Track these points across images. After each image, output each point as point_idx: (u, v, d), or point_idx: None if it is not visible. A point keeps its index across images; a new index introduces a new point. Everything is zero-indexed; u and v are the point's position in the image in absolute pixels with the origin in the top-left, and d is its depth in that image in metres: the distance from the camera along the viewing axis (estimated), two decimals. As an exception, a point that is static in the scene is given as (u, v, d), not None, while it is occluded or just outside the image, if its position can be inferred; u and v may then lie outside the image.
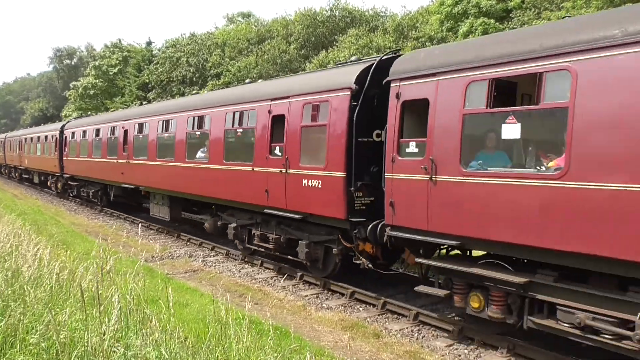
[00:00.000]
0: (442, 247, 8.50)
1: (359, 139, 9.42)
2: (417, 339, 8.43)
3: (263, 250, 12.42)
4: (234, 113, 12.78)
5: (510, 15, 31.73)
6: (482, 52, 7.47)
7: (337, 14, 42.57)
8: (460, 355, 7.74)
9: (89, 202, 25.24)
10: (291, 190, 10.68)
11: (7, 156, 43.11)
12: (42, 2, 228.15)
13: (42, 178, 33.52)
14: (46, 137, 30.53)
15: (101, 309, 4.91)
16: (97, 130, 22.36)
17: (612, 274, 6.04)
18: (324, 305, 10.16)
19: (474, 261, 7.93)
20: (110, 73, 57.67)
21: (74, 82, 60.83)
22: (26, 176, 38.23)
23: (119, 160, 19.61)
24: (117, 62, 58.19)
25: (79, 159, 24.64)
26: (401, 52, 10.56)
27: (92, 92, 57.10)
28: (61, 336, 3.93)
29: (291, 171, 10.64)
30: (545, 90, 6.52)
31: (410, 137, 8.37)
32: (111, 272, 6.11)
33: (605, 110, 5.92)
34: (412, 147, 8.33)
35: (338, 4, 43.00)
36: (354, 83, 9.46)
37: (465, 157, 7.44)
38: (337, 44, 37.75)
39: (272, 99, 11.44)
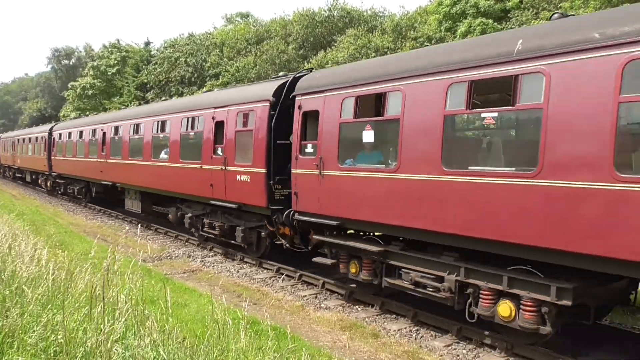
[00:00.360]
0: (347, 229, 10.14)
1: (277, 142, 11.39)
2: (415, 339, 8.43)
3: (212, 236, 14.39)
4: (188, 119, 14.86)
5: (509, 15, 31.77)
6: (352, 75, 9.70)
7: (335, 14, 42.58)
8: (458, 355, 7.75)
9: (75, 199, 27.01)
10: (229, 184, 12.64)
11: (1, 156, 44.86)
12: (40, 3, 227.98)
13: (33, 177, 35.09)
14: (36, 138, 32.18)
15: (98, 309, 4.91)
16: (81, 132, 24.30)
17: (437, 243, 8.22)
18: (322, 305, 10.17)
19: (357, 238, 9.88)
20: (109, 73, 57.58)
21: (72, 83, 60.72)
22: (19, 175, 39.73)
23: (99, 160, 21.59)
24: (116, 62, 58.11)
25: (65, 158, 26.44)
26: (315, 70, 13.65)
27: (90, 92, 57.00)
28: (59, 337, 3.92)
29: (229, 168, 12.67)
30: (387, 106, 8.70)
31: (308, 140, 10.42)
32: (109, 273, 6.11)
33: (419, 122, 8.08)
34: (309, 148, 10.36)
35: (336, 4, 43.02)
36: (272, 96, 11.44)
37: (341, 156, 9.51)
38: (335, 44, 37.75)
39: (215, 107, 13.49)
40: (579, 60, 6.16)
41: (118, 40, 61.41)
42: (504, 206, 6.86)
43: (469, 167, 7.64)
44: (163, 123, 16.22)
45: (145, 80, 55.04)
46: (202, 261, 13.99)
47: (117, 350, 4.06)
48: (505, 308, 7.11)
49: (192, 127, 14.63)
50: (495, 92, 8.36)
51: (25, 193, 34.18)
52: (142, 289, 6.33)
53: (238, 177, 12.33)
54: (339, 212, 9.56)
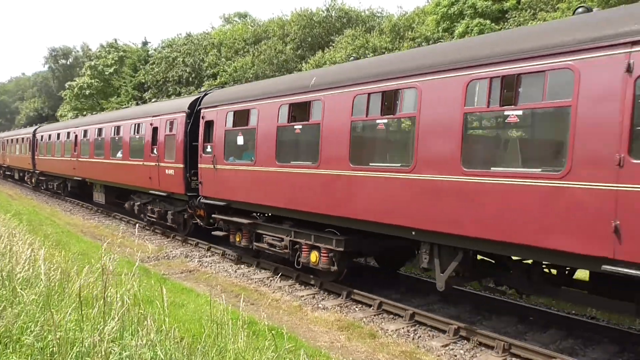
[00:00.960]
0: (233, 208, 13.10)
1: (192, 143, 14.46)
2: (413, 339, 8.43)
3: (154, 220, 17.65)
4: (135, 124, 18.11)
5: (506, 16, 31.81)
6: (231, 95, 13.34)
7: (333, 14, 42.58)
8: (456, 355, 7.75)
9: (55, 193, 30.07)
10: (161, 177, 15.92)
11: None
12: (38, 2, 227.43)
13: (20, 174, 38.43)
14: (22, 139, 35.39)
15: (96, 310, 4.90)
16: (58, 134, 27.44)
17: (282, 216, 11.44)
18: (320, 305, 10.16)
19: (240, 214, 12.84)
20: (106, 73, 57.51)
21: (69, 82, 60.62)
22: (8, 173, 42.72)
23: (72, 159, 24.72)
24: (113, 62, 58.04)
25: (46, 157, 29.71)
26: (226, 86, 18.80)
27: (87, 92, 56.91)
28: (56, 337, 3.91)
29: (161, 164, 15.93)
30: (250, 119, 12.16)
31: (208, 142, 13.69)
32: (105, 273, 6.09)
33: (267, 131, 11.39)
34: (209, 149, 13.59)
35: (334, 4, 43.03)
36: (188, 108, 14.89)
37: (226, 154, 12.89)
38: (333, 44, 37.76)
39: (153, 116, 16.79)
40: (440, 79, 7.76)
41: (115, 40, 61.37)
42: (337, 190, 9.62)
43: (291, 162, 10.89)
44: (118, 127, 19.55)
45: (143, 80, 54.95)
46: (200, 261, 13.97)
47: (114, 350, 4.05)
48: (313, 256, 10.48)
49: (138, 132, 17.86)
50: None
51: (22, 193, 34.09)
52: (140, 289, 6.31)
53: (167, 171, 15.61)
54: (226, 196, 13.01)
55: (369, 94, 8.99)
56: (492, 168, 7.26)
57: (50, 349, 3.88)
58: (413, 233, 8.33)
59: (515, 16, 30.56)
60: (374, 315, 9.52)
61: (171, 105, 16.50)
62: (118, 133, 19.48)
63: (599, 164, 5.94)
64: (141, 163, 17.01)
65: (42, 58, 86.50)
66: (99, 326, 4.41)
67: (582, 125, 6.09)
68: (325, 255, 10.19)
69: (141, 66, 57.27)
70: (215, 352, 4.63)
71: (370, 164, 9.04)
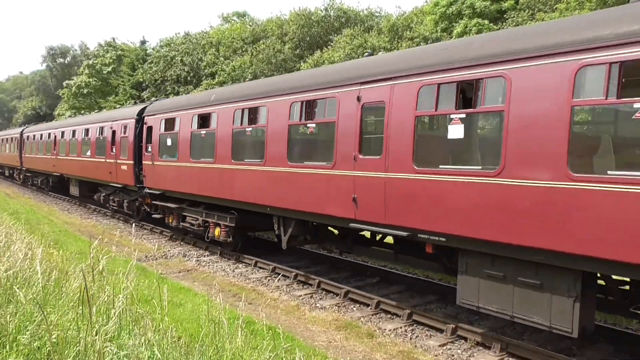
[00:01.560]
0: (167, 196, 16.27)
1: (140, 144, 17.57)
2: (410, 338, 8.44)
3: (116, 208, 21.08)
4: (99, 127, 21.54)
5: (505, 16, 31.84)
6: (165, 106, 16.72)
7: (331, 14, 42.59)
8: (453, 355, 7.75)
9: (40, 188, 33.25)
10: (118, 171, 19.04)
11: None
12: (36, 0, 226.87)
13: (10, 172, 42.18)
14: (12, 138, 39.03)
15: (94, 309, 4.89)
16: (41, 135, 30.61)
17: (199, 201, 14.45)
18: (317, 305, 10.16)
19: (171, 200, 15.89)
20: (104, 72, 57.43)
21: (67, 81, 60.49)
22: (0, 170, 46.52)
23: (52, 157, 27.95)
24: (111, 61, 57.97)
25: (32, 155, 32.85)
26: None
27: (85, 91, 56.82)
28: (53, 336, 3.91)
29: (118, 161, 19.05)
30: (176, 125, 15.25)
31: (149, 143, 16.87)
32: (104, 272, 6.08)
33: (184, 134, 14.81)
34: (149, 148, 16.77)
35: (333, 4, 43.03)
36: (137, 115, 18.03)
37: (160, 153, 15.98)
38: (332, 44, 37.77)
39: (112, 121, 20.16)
40: (345, 92, 9.46)
41: (114, 39, 61.31)
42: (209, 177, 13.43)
43: (200, 159, 13.95)
44: (87, 130, 22.92)
45: (141, 79, 54.88)
46: (198, 260, 13.96)
47: (111, 349, 4.05)
48: (217, 231, 13.71)
49: (102, 133, 21.06)
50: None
51: (19, 192, 34.01)
52: (138, 288, 6.31)
53: (122, 166, 18.71)
54: (161, 186, 16.22)
55: (240, 109, 12.55)
56: (305, 162, 10.43)
57: (47, 349, 3.87)
58: (268, 209, 11.53)
59: (514, 16, 30.59)
60: (372, 315, 9.52)
61: (125, 113, 19.98)
62: (87, 135, 22.82)
63: (347, 159, 9.20)
64: (104, 160, 20.42)
65: (40, 57, 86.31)
66: (96, 325, 4.40)
67: (339, 135, 9.39)
68: (224, 230, 13.42)
69: (139, 65, 57.21)
70: (212, 351, 4.63)
71: (245, 160, 12.23)
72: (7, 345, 4.13)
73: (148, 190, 16.90)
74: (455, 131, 7.49)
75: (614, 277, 7.29)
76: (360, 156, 8.97)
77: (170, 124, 15.63)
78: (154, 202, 16.92)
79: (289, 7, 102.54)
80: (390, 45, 36.13)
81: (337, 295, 10.60)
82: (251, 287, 11.31)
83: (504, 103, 6.88)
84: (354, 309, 9.94)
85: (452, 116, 7.53)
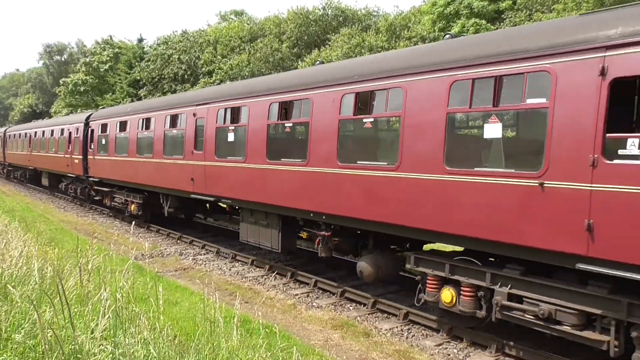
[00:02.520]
0: (104, 184, 21.12)
1: (86, 143, 22.07)
2: (406, 338, 8.44)
3: (74, 195, 25.68)
4: (60, 129, 25.92)
5: (502, 16, 31.88)
6: (101, 114, 22.19)
7: (329, 12, 42.55)
8: (449, 355, 7.76)
9: (20, 181, 37.86)
10: (73, 164, 23.53)
11: None
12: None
13: None
14: None
15: (89, 307, 4.87)
16: (20, 134, 35.77)
17: (139, 188, 17.92)
18: (314, 304, 10.15)
19: (110, 186, 20.35)
20: (101, 70, 57.23)
21: (64, 79, 60.28)
22: None
23: (28, 153, 32.53)
24: (108, 58, 57.76)
25: (13, 152, 37.99)
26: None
27: (82, 88, 56.61)
28: (48, 335, 3.89)
29: (72, 156, 23.60)
30: (108, 129, 20.02)
31: (92, 142, 21.34)
32: (100, 270, 6.07)
33: (122, 136, 18.85)
34: (92, 146, 21.30)
35: (330, 3, 42.97)
36: (85, 120, 22.66)
37: (99, 149, 20.46)
38: (329, 43, 37.74)
39: (69, 124, 24.85)
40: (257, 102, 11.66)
41: (111, 37, 61.03)
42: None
43: (122, 154, 18.47)
44: (52, 131, 27.56)
45: (138, 77, 54.71)
46: (194, 259, 13.94)
47: (106, 348, 4.03)
48: (132, 207, 18.34)
49: (62, 134, 25.41)
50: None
51: (15, 190, 33.89)
52: (134, 286, 6.29)
53: (75, 160, 23.27)
54: (100, 175, 20.70)
55: (141, 118, 17.44)
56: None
57: (42, 347, 3.85)
58: (157, 189, 16.38)
59: (511, 16, 30.63)
60: (368, 314, 9.52)
61: (78, 118, 24.94)
62: (52, 134, 27.39)
63: (188, 153, 14.03)
64: (63, 155, 25.01)
65: (36, 54, 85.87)
66: (91, 324, 4.39)
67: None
68: (136, 206, 18.31)
69: (136, 63, 57.03)
70: (208, 350, 4.61)
71: (143, 154, 16.73)
72: (1, 344, 4.11)
73: (91, 178, 21.75)
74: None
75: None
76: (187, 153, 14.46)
77: (104, 128, 20.55)
78: (95, 187, 21.94)
79: (287, 5, 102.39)
80: (388, 45, 36.13)
81: (333, 294, 10.60)
82: (247, 286, 11.29)
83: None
84: (351, 308, 9.94)
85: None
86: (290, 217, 11.04)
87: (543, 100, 6.36)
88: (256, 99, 11.59)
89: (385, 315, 9.48)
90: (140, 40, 61.70)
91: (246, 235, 12.50)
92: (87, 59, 58.64)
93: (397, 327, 8.85)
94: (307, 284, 11.32)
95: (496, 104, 6.85)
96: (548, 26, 7.19)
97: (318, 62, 13.05)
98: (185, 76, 49.25)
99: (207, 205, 15.61)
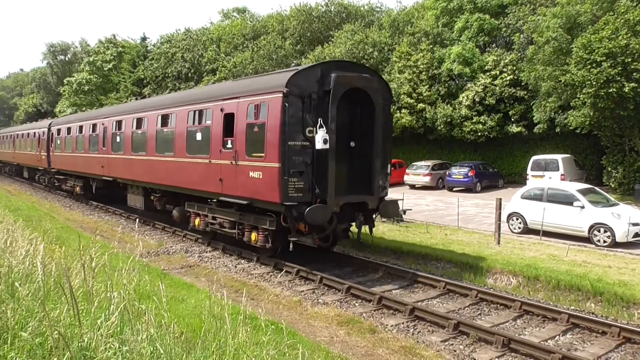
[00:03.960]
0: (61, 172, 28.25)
1: (49, 142, 28.82)
2: (412, 334, 8.43)
3: (45, 184, 32.39)
4: (34, 132, 32.55)
5: (506, 11, 31.72)
6: (60, 120, 30.84)
7: (332, 9, 42.47)
8: (455, 351, 7.75)
9: (9, 175, 44.88)
10: (42, 159, 30.17)
11: None
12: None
13: None
14: None
15: (96, 304, 4.88)
16: (6, 136, 44.08)
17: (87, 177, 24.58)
18: (320, 300, 10.15)
19: (70, 177, 26.70)
20: (105, 69, 57.30)
21: (68, 78, 60.38)
22: None
23: (12, 151, 39.72)
24: (112, 57, 57.82)
25: (2, 151, 44.78)
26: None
27: (86, 87, 56.70)
28: (55, 332, 3.90)
29: (41, 153, 30.29)
30: (70, 130, 26.05)
31: (53, 142, 28.46)
32: (106, 268, 6.07)
33: (63, 137, 27.39)
34: (53, 145, 28.34)
35: (333, -1, 42.90)
36: (48, 126, 29.73)
37: (58, 148, 27.40)
38: (332, 39, 37.68)
39: (38, 129, 31.55)
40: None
41: (114, 36, 61.06)
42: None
43: (70, 151, 25.53)
44: (28, 134, 34.38)
45: (142, 76, 54.81)
46: (200, 256, 13.96)
47: (113, 345, 4.04)
48: (78, 189, 25.38)
49: (35, 136, 32.10)
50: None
51: (20, 189, 34.05)
52: (140, 284, 6.30)
53: (42, 156, 29.82)
54: (60, 167, 26.94)
55: (88, 125, 23.38)
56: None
57: (49, 344, 3.86)
58: (86, 175, 23.51)
59: (515, 11, 30.47)
60: (374, 311, 9.51)
61: (44, 124, 32.05)
62: (28, 137, 34.06)
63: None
64: (36, 153, 31.75)
65: (40, 54, 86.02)
66: (98, 321, 4.39)
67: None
68: (80, 188, 24.97)
69: (140, 62, 57.14)
70: (215, 346, 4.62)
71: (80, 150, 23.68)
72: (9, 341, 4.12)
73: (52, 170, 28.43)
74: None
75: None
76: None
77: (58, 132, 27.61)
78: (56, 176, 28.48)
79: (289, 2, 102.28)
80: (392, 41, 36.04)
81: (339, 290, 10.60)
82: (253, 283, 11.30)
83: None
84: (356, 304, 9.93)
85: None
86: (149, 189, 18.00)
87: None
88: (129, 115, 19.26)
89: (391, 311, 9.47)
90: (144, 39, 61.85)
91: (129, 200, 19.76)
92: (91, 58, 58.70)
93: (402, 323, 8.84)
94: (313, 280, 11.31)
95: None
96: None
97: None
98: (189, 74, 49.31)
99: (120, 184, 20.68)
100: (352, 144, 11.90)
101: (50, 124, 29.47)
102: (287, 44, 41.56)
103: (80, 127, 23.86)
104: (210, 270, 12.44)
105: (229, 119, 12.51)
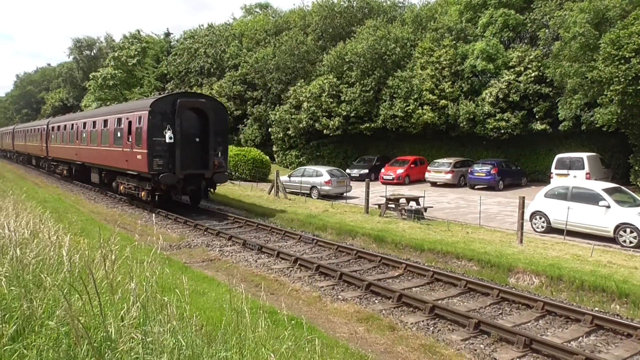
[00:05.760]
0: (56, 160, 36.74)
1: (47, 136, 37.08)
2: (432, 332, 8.38)
3: (47, 168, 39.34)
4: (37, 128, 41.24)
5: (532, 5, 31.16)
6: (55, 120, 37.86)
7: (354, 4, 42.23)
8: (476, 350, 7.68)
9: (23, 163, 50.82)
10: (43, 149, 38.65)
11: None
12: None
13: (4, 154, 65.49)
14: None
15: (119, 295, 4.96)
16: (20, 131, 51.28)
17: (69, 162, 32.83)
18: (339, 296, 10.16)
19: (61, 163, 34.77)
20: (129, 64, 58.09)
21: (93, 73, 61.41)
22: (2, 154, 65.85)
23: (24, 143, 47.86)
24: (136, 53, 58.59)
25: (19, 143, 51.37)
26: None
27: (111, 82, 57.60)
28: (80, 321, 3.98)
29: (42, 145, 38.43)
30: (63, 128, 32.85)
31: (50, 137, 36.22)
32: (129, 261, 6.17)
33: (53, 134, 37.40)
34: (50, 139, 36.15)
35: (356, -6, 42.64)
36: (46, 124, 38.22)
37: (51, 140, 35.82)
38: (354, 35, 37.51)
39: (40, 126, 41.02)
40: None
41: (138, 31, 61.82)
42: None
43: (59, 143, 33.41)
44: (34, 129, 42.33)
45: (165, 71, 55.40)
46: (221, 250, 14.09)
47: (136, 336, 4.10)
48: (65, 172, 33.37)
49: (38, 131, 39.36)
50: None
51: (47, 181, 34.78)
52: (162, 276, 6.38)
53: (43, 147, 37.47)
54: (53, 155, 35.23)
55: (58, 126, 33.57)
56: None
57: (75, 333, 3.94)
58: (82, 161, 28.00)
59: (541, 6, 29.91)
60: (394, 308, 9.48)
61: (43, 122, 40.09)
62: (34, 132, 41.48)
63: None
64: (37, 144, 39.94)
65: (66, 49, 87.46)
66: (120, 313, 4.47)
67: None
68: (66, 172, 32.43)
69: (163, 57, 57.74)
70: (235, 340, 4.66)
71: (63, 143, 32.05)
72: (36, 329, 4.23)
73: (49, 157, 35.94)
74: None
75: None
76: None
77: (53, 128, 34.63)
78: (52, 162, 36.00)
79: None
80: (414, 36, 35.73)
81: (358, 287, 10.59)
82: (273, 278, 11.36)
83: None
84: (376, 301, 9.91)
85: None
86: (100, 169, 25.02)
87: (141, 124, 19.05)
88: (89, 118, 27.17)
89: (411, 309, 9.43)
90: (167, 34, 62.41)
91: (92, 178, 26.92)
92: (116, 54, 59.61)
93: (422, 321, 8.80)
94: (332, 276, 11.33)
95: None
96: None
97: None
98: (211, 70, 49.66)
99: (87, 167, 27.63)
100: (197, 139, 19.47)
101: (48, 122, 37.73)
102: (309, 39, 41.52)
103: (65, 126, 31.68)
104: (230, 264, 12.54)
105: (129, 124, 20.30)
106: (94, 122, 25.58)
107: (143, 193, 20.00)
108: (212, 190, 20.37)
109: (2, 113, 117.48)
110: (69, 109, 67.92)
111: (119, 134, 21.44)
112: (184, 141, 18.82)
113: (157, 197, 19.53)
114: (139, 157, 19.08)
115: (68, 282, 5.03)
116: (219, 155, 19.86)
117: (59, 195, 25.90)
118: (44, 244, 6.61)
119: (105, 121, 23.65)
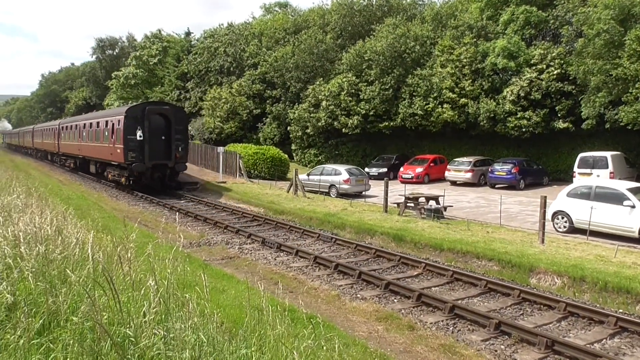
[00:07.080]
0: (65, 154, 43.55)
1: (59, 135, 42.56)
2: (452, 332, 8.33)
3: (58, 163, 45.28)
4: (50, 128, 48.77)
5: (554, 2, 30.64)
6: (64, 121, 46.32)
7: (374, 2, 42.03)
8: (496, 351, 7.61)
9: (39, 158, 56.38)
10: (54, 146, 45.32)
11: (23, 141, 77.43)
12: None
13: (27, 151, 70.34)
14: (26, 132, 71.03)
15: (142, 292, 5.04)
16: (38, 130, 57.26)
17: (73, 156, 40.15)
18: (358, 295, 10.16)
19: (70, 157, 41.58)
20: (151, 63, 58.65)
21: (115, 72, 62.19)
22: (25, 150, 70.88)
23: (41, 141, 53.25)
24: (157, 52, 59.11)
25: (37, 140, 56.63)
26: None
27: (133, 82, 58.21)
28: (104, 317, 4.06)
29: (54, 142, 44.69)
30: (70, 127, 39.46)
31: (61, 136, 42.34)
32: (150, 258, 6.25)
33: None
34: (61, 136, 42.26)
35: (375, -8, 42.44)
36: (57, 125, 44.56)
37: (62, 138, 42.04)
38: (374, 33, 37.36)
39: (53, 126, 47.26)
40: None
41: (159, 31, 62.34)
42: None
43: (68, 140, 39.45)
44: (48, 129, 49.19)
45: (186, 70, 55.90)
46: (240, 248, 14.19)
47: (158, 332, 4.17)
48: (72, 165, 39.43)
49: (50, 131, 46.46)
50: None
51: (71, 179, 35.41)
52: (183, 273, 6.46)
53: (56, 144, 43.61)
54: (63, 151, 41.24)
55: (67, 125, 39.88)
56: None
57: (98, 330, 4.02)
58: (84, 156, 34.47)
59: (564, 3, 29.40)
60: (413, 307, 9.45)
61: (55, 123, 47.08)
62: (49, 131, 47.77)
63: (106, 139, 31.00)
64: (50, 142, 45.80)
65: (90, 48, 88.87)
66: (142, 309, 4.53)
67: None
68: (73, 164, 38.23)
69: (184, 56, 58.26)
70: (255, 337, 4.70)
71: (70, 141, 38.20)
72: (62, 324, 4.32)
73: (60, 152, 41.46)
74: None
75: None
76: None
77: (62, 128, 40.14)
78: (62, 157, 41.34)
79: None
80: (434, 34, 35.45)
81: (377, 286, 10.57)
82: (292, 276, 11.40)
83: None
84: (395, 300, 9.89)
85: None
86: (97, 162, 30.97)
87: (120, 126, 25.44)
88: (88, 120, 33.08)
89: (430, 308, 9.38)
90: (188, 34, 62.96)
91: (90, 169, 32.92)
92: (137, 53, 60.18)
93: (442, 321, 8.75)
94: (351, 275, 11.33)
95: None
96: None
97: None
98: (231, 68, 49.96)
99: (87, 160, 33.65)
100: (163, 137, 25.01)
101: (59, 123, 43.84)
102: (328, 38, 41.47)
103: (71, 126, 37.45)
104: (250, 262, 12.63)
105: (112, 125, 26.17)
106: (91, 124, 31.60)
107: (123, 179, 26.21)
108: (174, 177, 27.08)
109: (28, 112, 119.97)
110: (92, 108, 69.03)
111: (106, 133, 27.55)
112: (151, 138, 24.56)
113: (131, 181, 25.35)
114: (118, 151, 25.22)
115: (92, 278, 5.12)
116: (180, 150, 25.62)
117: (82, 192, 26.34)
118: (68, 241, 6.74)
119: (98, 123, 29.68)
